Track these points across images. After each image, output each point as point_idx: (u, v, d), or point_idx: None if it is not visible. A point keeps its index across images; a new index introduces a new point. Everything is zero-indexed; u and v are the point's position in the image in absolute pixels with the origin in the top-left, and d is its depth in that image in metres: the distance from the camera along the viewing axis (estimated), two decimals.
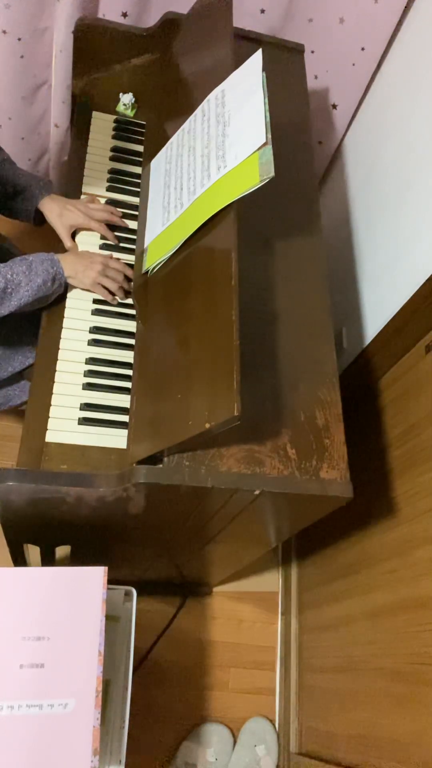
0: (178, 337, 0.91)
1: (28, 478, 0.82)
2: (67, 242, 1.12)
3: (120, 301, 1.10)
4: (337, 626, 1.36)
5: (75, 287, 1.08)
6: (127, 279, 1.11)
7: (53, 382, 1.00)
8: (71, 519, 0.92)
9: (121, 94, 1.31)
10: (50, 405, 0.98)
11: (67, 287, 1.07)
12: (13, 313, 1.00)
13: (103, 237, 1.15)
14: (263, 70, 0.93)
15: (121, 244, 1.17)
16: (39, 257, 1.01)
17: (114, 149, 1.27)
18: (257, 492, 0.84)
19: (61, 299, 1.08)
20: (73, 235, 1.13)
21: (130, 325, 1.08)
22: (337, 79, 1.44)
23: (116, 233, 1.17)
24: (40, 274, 0.99)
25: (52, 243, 1.12)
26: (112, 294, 1.08)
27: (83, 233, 1.15)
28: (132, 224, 1.19)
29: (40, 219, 1.15)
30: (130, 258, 1.15)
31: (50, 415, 0.97)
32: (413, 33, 1.23)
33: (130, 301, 1.10)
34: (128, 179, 1.24)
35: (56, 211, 1.11)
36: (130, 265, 1.13)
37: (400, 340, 1.26)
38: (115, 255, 1.15)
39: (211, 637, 1.60)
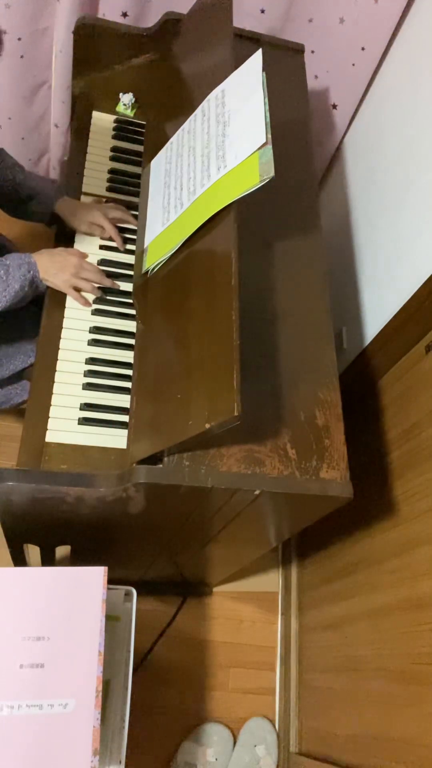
0: (178, 337, 0.91)
1: (28, 478, 0.82)
2: (96, 231, 1.14)
3: (87, 305, 1.09)
4: (337, 626, 1.36)
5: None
6: (105, 286, 1.10)
7: (53, 382, 1.00)
8: (71, 519, 0.92)
9: (121, 94, 1.31)
10: (50, 405, 0.98)
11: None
12: None
13: (110, 239, 1.15)
14: (263, 70, 0.93)
15: None
16: (15, 261, 1.00)
17: (114, 149, 1.27)
18: (257, 492, 0.84)
19: (61, 298, 1.08)
20: (73, 237, 1.14)
21: (130, 325, 1.08)
22: (337, 79, 1.44)
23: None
24: (17, 279, 0.99)
25: (41, 238, 1.13)
26: (85, 299, 1.08)
27: (82, 237, 1.15)
28: (132, 224, 1.19)
29: (52, 220, 1.16)
30: (130, 258, 1.15)
31: (50, 415, 0.97)
32: (413, 33, 1.23)
33: (130, 300, 1.10)
34: (128, 179, 1.24)
35: (71, 211, 1.13)
36: (129, 265, 1.14)
37: (400, 340, 1.26)
38: (116, 255, 1.15)
39: (211, 637, 1.60)
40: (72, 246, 1.14)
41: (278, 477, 0.86)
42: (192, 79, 1.17)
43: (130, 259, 1.15)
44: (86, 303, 1.08)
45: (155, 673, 1.53)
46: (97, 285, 1.08)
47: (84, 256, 1.09)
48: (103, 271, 1.10)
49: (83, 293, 1.07)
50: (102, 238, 1.16)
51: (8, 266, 0.99)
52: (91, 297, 1.09)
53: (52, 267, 1.04)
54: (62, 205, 1.13)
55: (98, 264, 1.11)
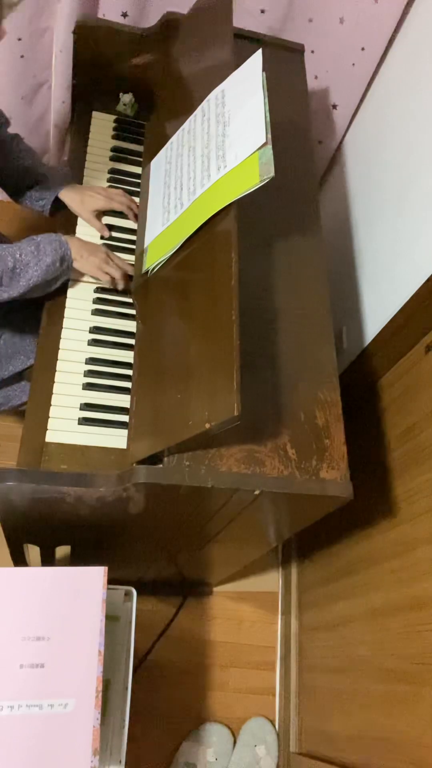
0: (178, 337, 0.91)
1: (28, 478, 0.82)
2: (96, 224, 1.14)
3: (121, 288, 1.10)
4: (337, 626, 1.36)
5: (77, 278, 1.09)
6: (128, 276, 1.11)
7: (53, 382, 1.00)
8: (71, 519, 0.92)
9: (121, 94, 1.31)
10: (50, 405, 0.98)
11: (67, 282, 1.08)
12: (23, 296, 1.00)
13: (110, 239, 1.16)
14: (263, 70, 0.93)
15: (121, 244, 1.17)
16: (47, 238, 1.01)
17: (114, 149, 1.27)
18: (257, 492, 0.84)
19: (61, 299, 1.08)
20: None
21: (130, 325, 1.08)
22: (337, 79, 1.44)
23: (115, 234, 1.18)
24: (49, 254, 0.99)
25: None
26: (115, 282, 1.09)
27: (84, 232, 1.15)
28: (132, 224, 1.19)
29: (55, 209, 1.16)
30: (130, 258, 1.15)
31: (50, 415, 0.97)
32: (413, 33, 1.23)
33: (130, 300, 1.10)
34: (128, 179, 1.24)
35: (78, 199, 1.13)
36: (130, 266, 1.14)
37: (400, 340, 1.26)
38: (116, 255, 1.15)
39: (211, 637, 1.60)
40: None
41: (278, 477, 0.86)
42: (192, 79, 1.17)
43: (130, 259, 1.15)
44: (115, 285, 1.09)
45: (155, 673, 1.53)
46: (116, 278, 1.09)
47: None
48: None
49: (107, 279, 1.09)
50: (103, 238, 1.16)
51: (39, 242, 1.00)
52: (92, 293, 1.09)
53: (83, 250, 1.05)
54: (68, 193, 1.13)
55: None
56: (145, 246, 1.07)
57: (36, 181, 1.14)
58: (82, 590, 0.78)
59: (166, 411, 0.86)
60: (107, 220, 1.18)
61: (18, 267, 0.96)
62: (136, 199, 1.21)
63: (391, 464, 1.25)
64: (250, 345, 0.92)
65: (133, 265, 1.12)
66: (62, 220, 1.17)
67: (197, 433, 0.78)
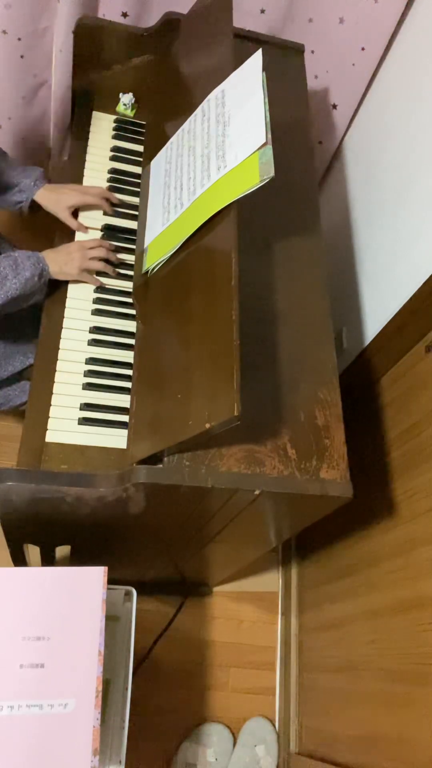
0: (178, 337, 0.91)
1: (28, 478, 0.82)
2: (72, 223, 1.14)
3: (106, 286, 1.10)
4: (337, 626, 1.36)
5: (70, 282, 1.09)
6: (115, 256, 1.12)
7: (53, 382, 1.00)
8: (71, 519, 0.92)
9: (121, 94, 1.31)
10: (50, 405, 0.98)
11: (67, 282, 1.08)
12: (1, 309, 1.00)
13: (105, 212, 1.17)
14: (263, 70, 0.93)
15: (121, 244, 1.17)
16: (24, 254, 1.02)
17: (114, 149, 1.27)
18: (257, 492, 0.84)
19: (61, 299, 1.08)
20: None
21: (130, 325, 1.08)
22: (337, 79, 1.44)
23: (115, 234, 1.18)
24: (28, 268, 1.00)
25: (41, 237, 1.14)
26: (98, 280, 1.10)
27: (85, 220, 1.15)
28: (132, 224, 1.19)
29: (31, 208, 1.17)
30: (130, 258, 1.15)
31: (50, 415, 0.97)
32: (413, 33, 1.23)
33: (130, 300, 1.10)
34: (128, 179, 1.24)
35: (53, 198, 1.13)
36: (129, 265, 1.14)
37: (400, 340, 1.26)
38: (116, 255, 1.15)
39: (211, 637, 1.60)
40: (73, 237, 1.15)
41: (278, 477, 0.86)
42: (192, 79, 1.17)
43: (130, 259, 1.15)
44: (100, 283, 1.10)
45: (155, 673, 1.53)
46: (103, 257, 1.09)
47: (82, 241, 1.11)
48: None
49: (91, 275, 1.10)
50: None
51: (16, 257, 1.00)
52: (104, 279, 1.11)
53: (60, 260, 1.05)
54: (42, 194, 1.14)
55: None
56: (145, 246, 1.07)
57: (9, 186, 1.14)
58: (82, 590, 0.78)
59: (166, 411, 0.86)
60: (107, 220, 1.18)
61: None
62: (133, 200, 1.21)
63: (391, 464, 1.25)
64: (250, 345, 0.92)
65: (134, 268, 1.12)
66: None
67: (197, 433, 0.78)
